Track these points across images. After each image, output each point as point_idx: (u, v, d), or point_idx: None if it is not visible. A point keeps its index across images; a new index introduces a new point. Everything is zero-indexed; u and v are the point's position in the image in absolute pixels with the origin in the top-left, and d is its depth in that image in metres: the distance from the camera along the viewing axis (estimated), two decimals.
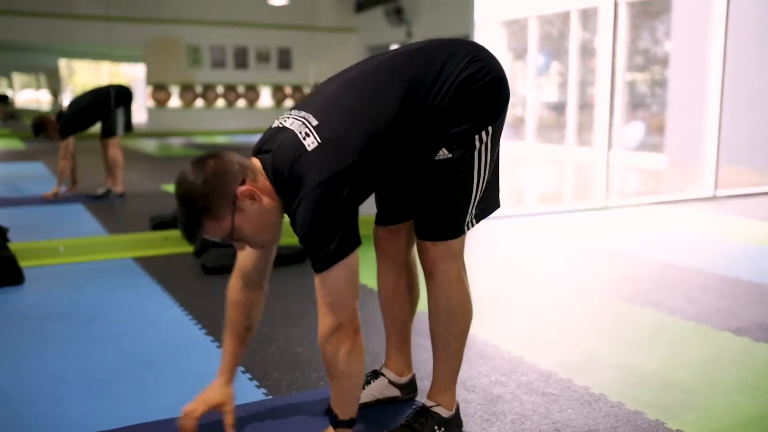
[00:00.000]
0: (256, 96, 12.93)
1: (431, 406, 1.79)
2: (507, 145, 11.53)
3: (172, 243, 4.01)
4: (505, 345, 2.49)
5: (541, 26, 11.14)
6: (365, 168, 1.56)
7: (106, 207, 5.26)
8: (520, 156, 10.58)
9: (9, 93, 6.11)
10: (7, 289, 3.19)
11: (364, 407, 1.94)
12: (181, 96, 11.94)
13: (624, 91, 9.87)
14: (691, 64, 8.42)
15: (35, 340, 2.54)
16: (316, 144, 1.54)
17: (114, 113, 5.35)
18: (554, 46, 11.18)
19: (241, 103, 13.09)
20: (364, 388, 1.97)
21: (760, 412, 1.99)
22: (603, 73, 9.55)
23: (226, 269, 3.48)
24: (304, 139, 1.55)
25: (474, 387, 2.13)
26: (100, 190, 5.60)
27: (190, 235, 1.58)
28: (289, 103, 13.26)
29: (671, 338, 2.58)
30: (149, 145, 11.30)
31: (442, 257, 1.72)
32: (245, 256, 1.78)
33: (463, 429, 1.86)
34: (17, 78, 6.28)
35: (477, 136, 1.65)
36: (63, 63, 6.49)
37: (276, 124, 1.65)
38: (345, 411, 1.63)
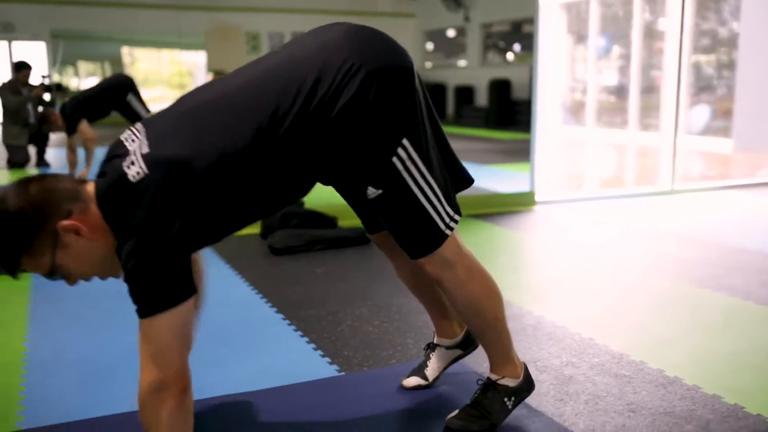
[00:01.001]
0: None
1: (497, 380, 1.75)
2: (567, 129, 11.36)
3: None
4: (575, 327, 2.47)
5: (602, 8, 10.90)
6: (206, 200, 1.38)
7: None
8: (581, 140, 10.41)
9: (75, 80, 6.28)
10: None
11: (429, 386, 1.96)
12: None
13: (689, 73, 9.60)
14: (762, 46, 8.13)
15: (112, 315, 2.62)
16: (141, 174, 1.36)
17: (129, 101, 5.44)
18: (616, 29, 10.93)
19: None
20: (426, 365, 1.98)
21: None
22: (669, 55, 9.30)
23: (292, 250, 3.55)
24: (128, 168, 1.37)
25: (545, 367, 2.13)
26: None
27: (8, 269, 1.41)
28: None
29: (745, 322, 2.53)
30: None
31: (440, 267, 1.61)
32: None
33: (538, 408, 1.86)
34: (82, 66, 6.47)
35: (395, 158, 1.48)
36: (125, 51, 6.65)
37: (123, 136, 1.47)
38: None
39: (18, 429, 1.77)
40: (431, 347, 2.00)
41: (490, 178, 5.87)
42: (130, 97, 5.45)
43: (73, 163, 5.31)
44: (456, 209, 1.61)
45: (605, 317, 2.59)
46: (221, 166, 1.39)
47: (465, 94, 11.96)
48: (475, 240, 3.74)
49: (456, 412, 1.76)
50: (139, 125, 1.49)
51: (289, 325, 2.52)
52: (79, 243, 1.40)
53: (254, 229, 4.03)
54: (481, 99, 11.64)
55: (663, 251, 3.55)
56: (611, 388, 1.99)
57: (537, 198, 4.88)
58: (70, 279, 1.47)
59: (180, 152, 1.38)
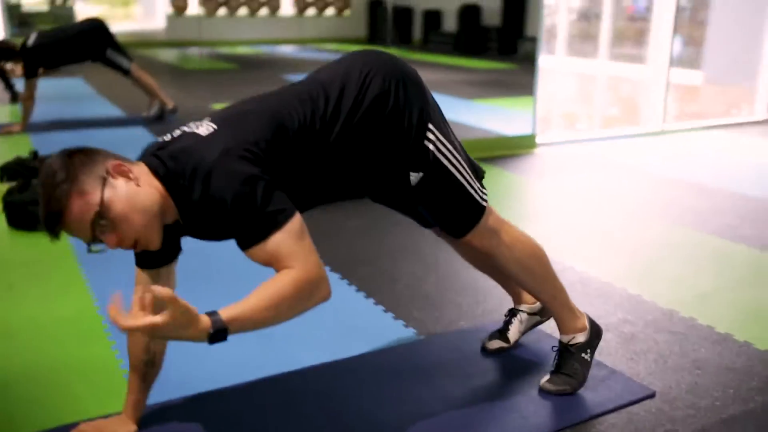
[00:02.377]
0: (278, 4, 12.66)
1: (569, 341, 1.90)
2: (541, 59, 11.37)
3: None
4: (619, 282, 2.63)
5: None
6: (271, 155, 1.45)
7: (169, 130, 5.32)
8: (551, 70, 10.47)
9: None
10: None
11: (510, 349, 2.10)
12: (204, 2, 11.70)
13: None
14: None
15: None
16: (211, 129, 1.45)
17: (110, 57, 5.29)
18: None
19: (264, 11, 12.82)
20: (508, 329, 2.12)
21: None
22: None
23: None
24: (197, 129, 1.46)
25: (606, 326, 2.28)
26: (153, 111, 5.68)
27: (52, 221, 1.36)
28: (311, 11, 12.94)
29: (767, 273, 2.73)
30: (169, 55, 11.24)
31: (487, 238, 1.77)
32: (141, 283, 1.63)
33: (612, 368, 2.02)
34: None
35: (426, 141, 1.64)
36: None
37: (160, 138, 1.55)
38: (231, 317, 1.27)
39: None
40: (513, 313, 2.13)
41: (479, 115, 5.95)
42: (110, 53, 5.33)
43: (27, 111, 5.07)
44: (481, 183, 1.77)
45: (642, 271, 2.76)
46: (287, 119, 1.50)
47: (432, 18, 11.85)
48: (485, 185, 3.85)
49: (547, 377, 1.91)
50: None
51: (348, 285, 2.62)
52: (128, 186, 1.39)
53: None
54: (450, 24, 11.56)
55: (674, 200, 3.72)
56: (672, 346, 2.16)
57: (537, 140, 4.99)
58: (114, 233, 1.38)
59: (246, 108, 1.52)
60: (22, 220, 3.20)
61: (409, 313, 2.39)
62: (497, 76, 9.47)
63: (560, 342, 1.91)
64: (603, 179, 4.15)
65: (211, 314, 1.27)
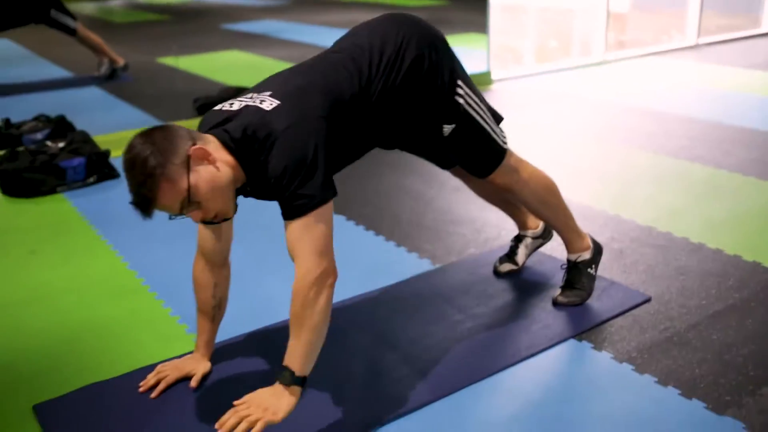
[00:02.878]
0: None
1: (576, 259, 2.17)
2: None
3: None
4: (598, 205, 2.92)
5: None
6: (332, 126, 1.59)
7: (126, 88, 5.31)
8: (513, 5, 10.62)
9: None
10: (107, 184, 3.40)
11: (519, 270, 2.37)
12: None
13: None
14: None
15: (188, 233, 2.81)
16: (275, 104, 1.57)
17: (56, 18, 5.21)
18: None
19: None
20: (516, 253, 2.38)
21: None
22: None
23: None
24: (261, 104, 1.58)
25: None
26: (104, 69, 5.62)
27: (145, 205, 1.49)
28: None
29: (728, 190, 3.06)
30: (86, 9, 10.89)
31: (508, 176, 1.99)
32: (205, 238, 1.79)
33: (611, 279, 2.30)
34: None
35: (456, 96, 1.83)
36: None
37: (217, 107, 1.68)
38: (302, 367, 1.55)
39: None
40: (519, 238, 2.38)
41: None
42: (55, 13, 5.22)
43: None
44: (502, 129, 1.99)
45: (616, 194, 3.05)
46: (333, 103, 1.62)
47: None
48: None
49: (558, 292, 2.18)
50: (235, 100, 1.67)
51: (356, 224, 2.82)
52: (208, 169, 1.52)
53: None
54: None
55: (630, 126, 4.03)
56: (657, 258, 2.47)
57: (492, 77, 5.21)
58: (199, 210, 1.54)
59: (297, 93, 1.61)
60: (17, 187, 3.25)
61: (419, 246, 2.62)
62: (432, 13, 9.58)
63: (568, 260, 2.18)
64: (560, 111, 4.43)
65: (285, 375, 1.55)
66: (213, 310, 1.87)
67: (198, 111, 4.46)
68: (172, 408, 1.76)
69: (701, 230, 2.67)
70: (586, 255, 2.17)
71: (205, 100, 4.50)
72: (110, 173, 3.45)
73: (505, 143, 1.99)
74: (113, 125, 4.15)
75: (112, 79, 5.58)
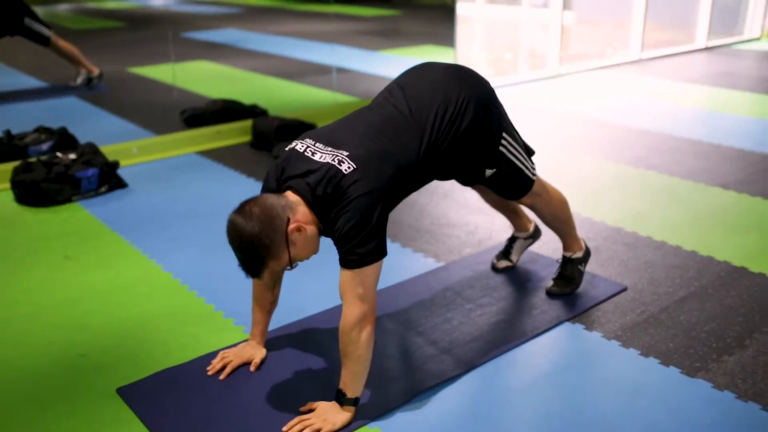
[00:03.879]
0: None
1: (571, 255, 2.57)
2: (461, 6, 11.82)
3: (226, 136, 4.48)
4: (573, 208, 3.30)
5: None
6: (394, 193, 1.88)
7: (104, 98, 5.47)
8: (469, 18, 11.01)
9: None
10: (118, 193, 3.64)
11: (513, 266, 2.74)
12: None
13: None
14: None
15: (207, 232, 3.10)
16: (352, 168, 1.78)
17: (29, 26, 5.30)
18: None
19: None
20: (510, 251, 2.75)
21: (763, 244, 2.97)
22: None
23: None
24: (340, 165, 1.79)
25: None
26: (80, 79, 5.76)
27: (256, 275, 1.82)
28: None
29: (682, 195, 3.52)
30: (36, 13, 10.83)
31: (532, 198, 2.33)
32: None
33: (592, 272, 2.70)
34: None
35: (501, 147, 2.12)
36: None
37: (294, 146, 1.89)
38: (354, 391, 1.87)
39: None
40: (513, 239, 2.76)
41: (392, 67, 6.48)
42: (29, 21, 5.31)
43: None
44: (532, 162, 2.30)
45: (586, 199, 3.46)
46: (396, 170, 1.87)
47: None
48: None
49: (551, 282, 2.57)
50: (309, 140, 1.91)
51: None
52: (301, 237, 1.81)
53: (242, 138, 4.47)
54: None
55: (586, 135, 4.48)
56: (628, 254, 2.88)
57: None
58: (295, 264, 1.86)
59: (371, 160, 1.83)
60: (34, 197, 3.46)
61: (423, 247, 2.97)
62: (386, 23, 9.97)
63: (564, 256, 2.57)
64: (524, 122, 4.84)
65: (341, 398, 1.88)
66: (270, 305, 2.18)
67: (186, 123, 4.69)
68: (238, 388, 2.05)
69: (662, 230, 3.10)
70: (579, 254, 2.56)
71: (193, 112, 4.74)
72: (119, 183, 3.69)
73: (534, 174, 2.30)
74: (107, 136, 4.34)
75: (88, 89, 5.71)
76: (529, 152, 2.32)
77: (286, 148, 1.95)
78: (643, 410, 1.95)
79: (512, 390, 2.05)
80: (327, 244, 1.96)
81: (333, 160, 1.82)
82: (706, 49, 7.67)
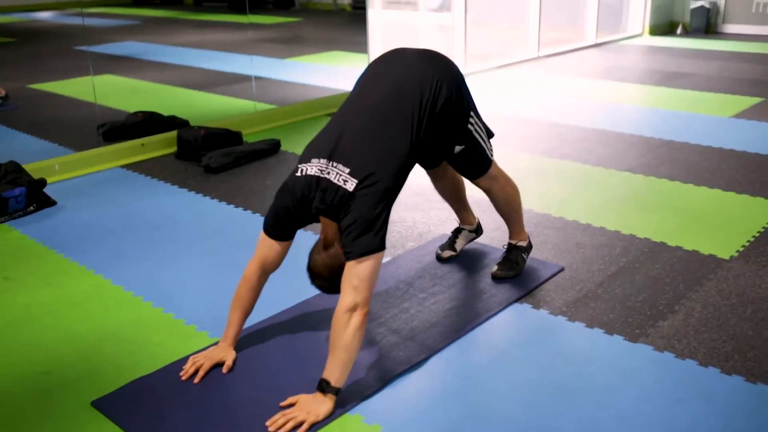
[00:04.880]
0: None
1: (516, 242, 2.75)
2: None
3: (150, 148, 4.44)
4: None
5: None
6: (397, 187, 2.04)
7: (13, 117, 5.28)
8: (370, 23, 11.16)
9: None
10: (47, 211, 3.56)
11: (457, 256, 2.90)
12: None
13: None
14: None
15: (153, 247, 3.09)
16: (354, 183, 1.96)
17: None
18: None
19: None
20: (455, 242, 2.91)
21: (675, 221, 3.26)
22: None
23: (228, 167, 4.11)
24: (344, 184, 1.96)
25: None
26: None
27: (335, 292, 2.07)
28: None
29: (597, 180, 3.79)
30: None
31: (490, 181, 2.51)
32: (272, 252, 2.16)
33: (532, 255, 2.89)
34: None
35: (468, 125, 2.32)
36: None
37: (308, 172, 2.03)
38: (338, 380, 1.94)
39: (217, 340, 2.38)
40: (458, 230, 2.92)
41: (313, 75, 6.56)
42: None
43: None
44: (491, 144, 2.51)
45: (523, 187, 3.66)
46: (398, 167, 2.05)
47: None
48: None
49: (495, 266, 2.74)
50: (317, 158, 2.04)
51: (304, 230, 3.22)
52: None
53: (165, 150, 4.44)
54: None
55: (502, 129, 4.71)
56: (559, 237, 3.10)
57: None
58: None
59: (370, 167, 1.99)
60: None
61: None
62: (287, 30, 10.01)
63: (510, 243, 2.75)
64: None
65: (324, 386, 1.95)
66: (250, 309, 2.25)
67: (105, 137, 4.60)
68: (216, 389, 2.10)
69: (585, 213, 3.34)
70: (524, 243, 2.75)
71: (112, 125, 4.66)
72: (47, 201, 3.60)
73: (491, 155, 2.49)
74: (23, 155, 4.16)
75: None
76: (489, 133, 2.48)
77: (300, 174, 2.06)
78: (596, 374, 2.14)
79: (476, 366, 2.19)
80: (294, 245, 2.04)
81: (336, 179, 1.98)
82: (596, 45, 8.16)
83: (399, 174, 2.05)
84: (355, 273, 1.95)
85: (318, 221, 2.10)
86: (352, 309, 1.94)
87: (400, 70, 2.21)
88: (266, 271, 2.21)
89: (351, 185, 1.97)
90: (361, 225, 1.94)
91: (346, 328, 1.93)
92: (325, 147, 2.07)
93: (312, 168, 2.04)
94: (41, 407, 2.06)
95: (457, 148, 2.37)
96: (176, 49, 8.50)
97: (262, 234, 2.19)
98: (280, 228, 2.14)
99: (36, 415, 2.02)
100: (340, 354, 1.95)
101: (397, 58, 2.28)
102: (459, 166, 2.48)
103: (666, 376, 2.12)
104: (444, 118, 2.21)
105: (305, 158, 2.09)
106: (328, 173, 2.01)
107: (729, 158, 4.11)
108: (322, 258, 2.08)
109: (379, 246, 1.97)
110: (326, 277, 2.09)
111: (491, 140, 2.51)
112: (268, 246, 2.17)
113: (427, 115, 2.14)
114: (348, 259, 1.96)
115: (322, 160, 2.04)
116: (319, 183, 2.02)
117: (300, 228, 2.18)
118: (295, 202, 2.07)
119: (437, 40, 9.22)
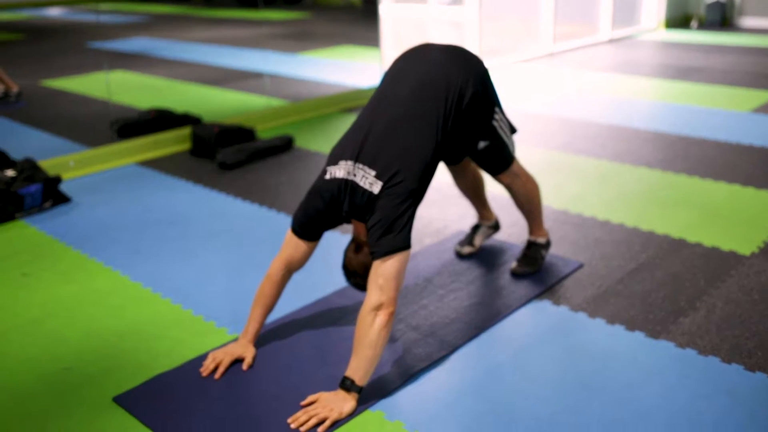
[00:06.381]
0: None
1: (536, 239, 2.74)
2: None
3: (163, 145, 4.44)
4: None
5: None
6: (424, 186, 2.06)
7: (25, 114, 5.30)
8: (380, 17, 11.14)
9: None
10: (63, 208, 3.57)
11: (476, 252, 2.88)
12: None
13: None
14: None
15: (170, 243, 3.09)
16: (379, 186, 1.98)
17: None
18: None
19: None
20: (474, 238, 2.89)
21: (695, 217, 3.23)
22: None
23: (242, 163, 4.10)
24: (370, 186, 1.99)
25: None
26: None
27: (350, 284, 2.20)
28: None
29: (611, 176, 3.76)
30: None
31: (511, 177, 2.51)
32: (299, 251, 2.17)
33: (551, 252, 2.88)
34: None
35: (493, 121, 2.32)
36: None
37: (337, 174, 2.05)
38: (361, 378, 1.95)
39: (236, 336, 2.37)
40: (477, 227, 2.90)
41: (325, 70, 6.55)
42: None
43: None
44: (513, 140, 2.51)
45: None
46: (423, 167, 2.06)
47: None
48: None
49: (515, 263, 2.72)
50: (345, 161, 2.05)
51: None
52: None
53: (179, 146, 4.44)
54: None
55: (517, 125, 4.69)
56: (577, 233, 3.08)
57: None
58: None
59: (395, 167, 2.00)
60: None
61: None
62: (298, 26, 9.99)
63: (529, 240, 2.73)
64: None
65: (347, 383, 1.95)
66: (271, 306, 2.25)
67: (118, 133, 4.61)
68: (238, 386, 2.10)
69: (603, 210, 3.32)
70: (543, 240, 2.73)
71: (125, 122, 4.66)
72: (62, 197, 3.61)
73: (514, 151, 2.48)
74: (38, 152, 4.18)
75: (5, 105, 5.51)
76: (512, 129, 2.47)
77: (329, 177, 2.08)
78: (618, 371, 2.12)
79: (497, 363, 2.18)
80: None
81: (363, 183, 2.01)
82: (611, 40, 8.12)
83: (424, 173, 2.05)
84: (381, 272, 1.95)
85: (348, 222, 2.12)
86: (377, 308, 1.94)
87: (425, 67, 2.21)
88: (291, 270, 2.21)
89: (377, 188, 1.99)
90: (385, 224, 1.96)
91: (371, 327, 1.93)
92: (351, 148, 2.08)
93: (340, 170, 2.06)
94: (65, 403, 2.06)
95: (481, 144, 2.36)
96: (187, 45, 8.50)
97: (289, 233, 2.19)
98: (309, 228, 2.15)
99: (60, 411, 2.03)
100: (365, 353, 1.94)
101: (422, 54, 2.27)
102: (482, 162, 2.47)
103: (689, 373, 2.10)
104: (469, 114, 2.21)
105: (332, 160, 2.10)
106: (355, 175, 2.03)
107: (747, 153, 4.07)
108: (357, 257, 2.13)
109: (404, 245, 1.97)
110: (362, 275, 2.13)
111: (514, 136, 2.49)
112: (295, 245, 2.17)
113: (453, 113, 2.14)
114: (373, 258, 1.97)
115: (348, 162, 2.06)
116: (347, 186, 2.04)
117: (329, 229, 2.18)
118: (324, 204, 2.09)
119: (450, 35, 9.20)
